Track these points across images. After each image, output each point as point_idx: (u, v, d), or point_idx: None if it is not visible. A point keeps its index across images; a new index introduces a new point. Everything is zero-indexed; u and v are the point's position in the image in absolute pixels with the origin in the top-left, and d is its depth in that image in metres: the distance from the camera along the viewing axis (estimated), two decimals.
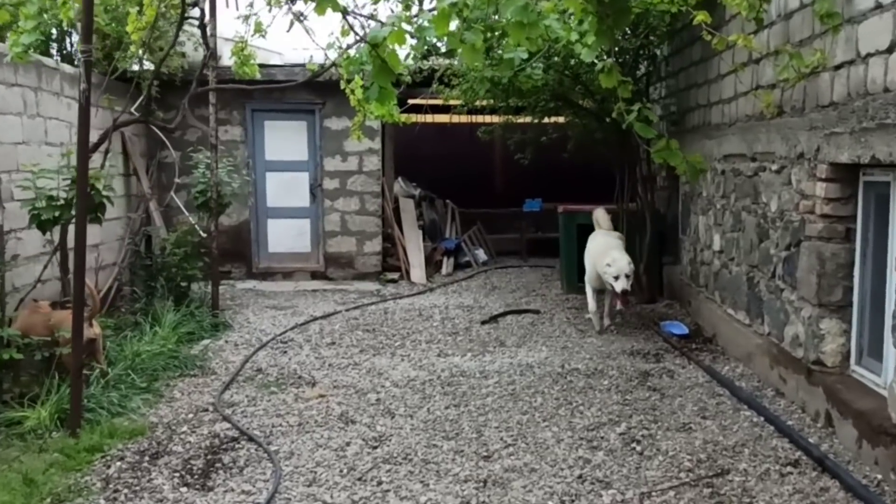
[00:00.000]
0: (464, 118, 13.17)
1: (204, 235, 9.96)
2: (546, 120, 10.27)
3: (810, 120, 5.22)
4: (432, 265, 11.94)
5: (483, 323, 8.41)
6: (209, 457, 4.70)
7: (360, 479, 4.37)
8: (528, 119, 10.13)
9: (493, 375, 6.37)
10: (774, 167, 5.87)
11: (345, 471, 4.48)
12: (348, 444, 4.90)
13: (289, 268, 11.06)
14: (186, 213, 9.77)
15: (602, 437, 4.96)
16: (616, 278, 7.32)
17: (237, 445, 4.89)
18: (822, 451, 4.52)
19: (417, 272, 11.16)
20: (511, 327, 8.21)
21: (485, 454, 4.71)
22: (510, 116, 10.42)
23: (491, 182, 15.08)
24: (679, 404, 5.58)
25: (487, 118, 11.76)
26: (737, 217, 6.78)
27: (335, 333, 7.96)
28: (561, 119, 10.40)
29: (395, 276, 11.17)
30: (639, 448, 4.76)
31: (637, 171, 9.32)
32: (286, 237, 11.06)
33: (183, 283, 8.36)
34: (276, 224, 11.03)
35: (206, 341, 7.50)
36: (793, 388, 5.44)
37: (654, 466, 4.49)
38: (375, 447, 4.84)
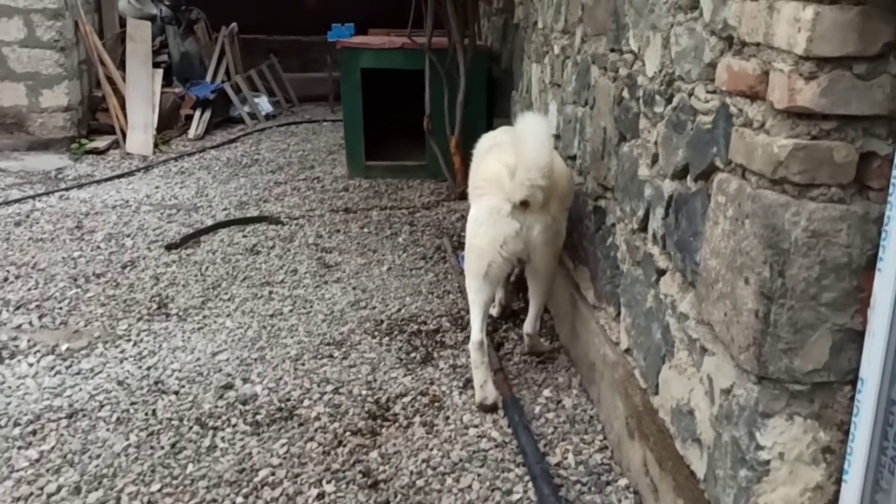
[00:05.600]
0: None
1: None
2: None
3: None
4: (178, 124, 8.10)
5: (170, 248, 4.86)
6: None
7: None
8: None
9: (39, 444, 2.91)
10: None
11: None
12: None
13: None
14: None
15: None
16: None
17: None
18: None
19: (139, 137, 7.32)
20: (213, 258, 4.69)
21: None
22: None
23: None
24: None
25: None
26: (583, 75, 3.30)
27: None
28: None
29: (105, 143, 7.32)
30: None
31: None
32: None
33: None
34: None
35: None
36: None
37: None
38: None
